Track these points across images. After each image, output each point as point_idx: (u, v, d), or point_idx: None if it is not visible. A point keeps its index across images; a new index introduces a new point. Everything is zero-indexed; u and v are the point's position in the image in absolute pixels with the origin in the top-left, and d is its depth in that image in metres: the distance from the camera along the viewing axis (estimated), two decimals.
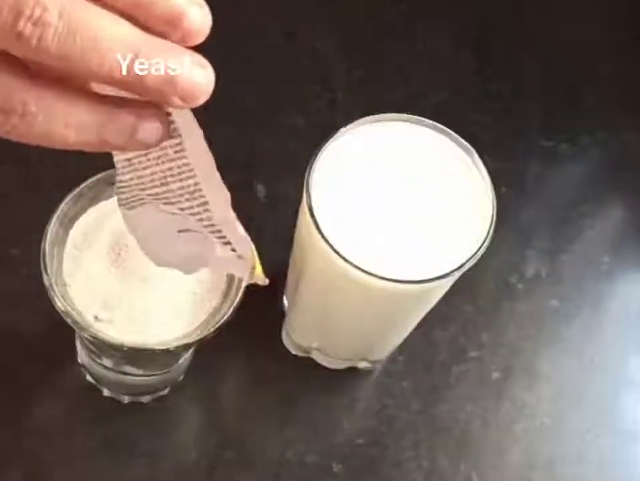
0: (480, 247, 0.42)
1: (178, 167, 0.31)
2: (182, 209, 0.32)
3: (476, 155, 0.44)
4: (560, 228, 0.60)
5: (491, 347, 0.56)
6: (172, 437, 0.52)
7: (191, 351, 0.48)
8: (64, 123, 0.27)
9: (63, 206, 0.42)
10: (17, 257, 0.53)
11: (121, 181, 0.33)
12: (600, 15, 0.67)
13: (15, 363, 0.51)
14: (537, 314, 0.57)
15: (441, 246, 0.42)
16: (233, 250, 0.33)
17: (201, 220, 0.32)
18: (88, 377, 0.51)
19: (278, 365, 0.54)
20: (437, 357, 0.55)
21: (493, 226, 0.42)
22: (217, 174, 0.31)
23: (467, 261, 0.41)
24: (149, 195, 0.33)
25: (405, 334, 0.51)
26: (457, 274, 0.42)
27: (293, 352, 0.54)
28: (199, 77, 0.29)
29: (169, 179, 0.31)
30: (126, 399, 0.51)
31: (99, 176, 0.43)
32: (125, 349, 0.40)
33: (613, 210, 0.61)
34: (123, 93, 0.28)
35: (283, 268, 0.53)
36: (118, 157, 0.32)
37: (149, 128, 0.29)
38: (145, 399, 0.51)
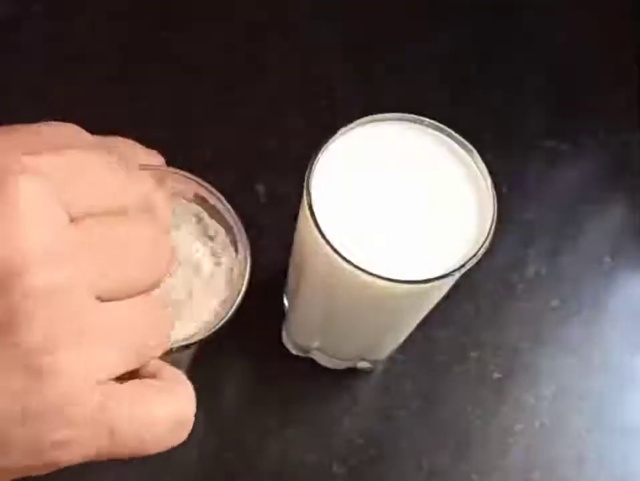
0: (481, 247, 0.42)
1: None
2: None
3: (477, 155, 0.44)
4: (561, 228, 0.60)
5: (491, 347, 0.56)
6: None
7: (191, 351, 0.48)
8: None
9: None
10: None
11: None
12: (600, 15, 0.67)
13: None
14: (537, 314, 0.57)
15: (442, 246, 0.42)
16: None
17: None
18: None
19: (278, 365, 0.54)
20: (437, 357, 0.55)
21: (493, 226, 0.42)
22: None
23: (467, 261, 0.41)
24: None
25: (405, 334, 0.51)
26: (457, 274, 0.42)
27: (293, 352, 0.54)
28: None
29: None
30: None
31: None
32: None
33: (614, 210, 0.61)
34: None
35: (283, 268, 0.53)
36: None
37: None
38: None
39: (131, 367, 0.30)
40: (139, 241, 0.30)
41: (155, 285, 0.31)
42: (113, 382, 0.29)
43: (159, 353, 0.31)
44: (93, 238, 0.28)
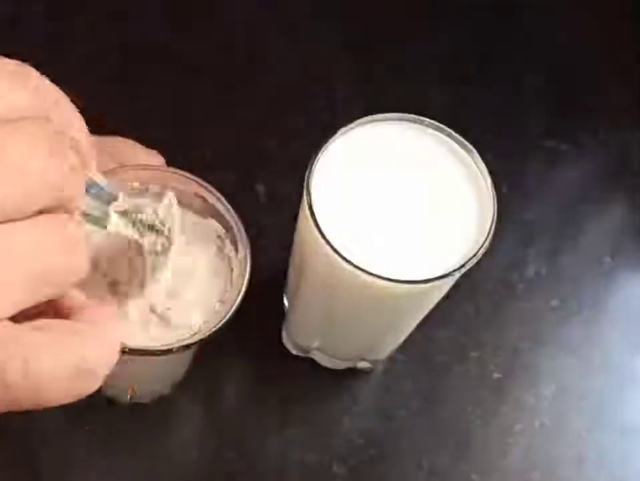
0: (481, 247, 0.42)
1: None
2: None
3: (477, 155, 0.44)
4: (561, 228, 0.60)
5: (491, 347, 0.56)
6: (172, 437, 0.52)
7: (191, 351, 0.47)
8: None
9: None
10: None
11: None
12: (600, 15, 0.67)
13: None
14: (537, 314, 0.57)
15: (442, 246, 0.42)
16: None
17: None
18: None
19: (278, 365, 0.54)
20: (437, 357, 0.55)
21: (494, 226, 0.42)
22: None
23: (467, 261, 0.41)
24: None
25: (405, 334, 0.51)
26: (457, 274, 0.42)
27: (293, 352, 0.54)
28: None
29: None
30: (126, 399, 0.51)
31: None
32: (126, 350, 0.40)
33: (614, 209, 0.61)
34: None
35: (283, 268, 0.53)
36: None
37: None
38: (145, 399, 0.51)
39: (38, 300, 0.26)
40: (34, 153, 0.26)
41: (61, 204, 0.26)
42: (8, 322, 0.25)
43: (71, 281, 0.27)
44: None
